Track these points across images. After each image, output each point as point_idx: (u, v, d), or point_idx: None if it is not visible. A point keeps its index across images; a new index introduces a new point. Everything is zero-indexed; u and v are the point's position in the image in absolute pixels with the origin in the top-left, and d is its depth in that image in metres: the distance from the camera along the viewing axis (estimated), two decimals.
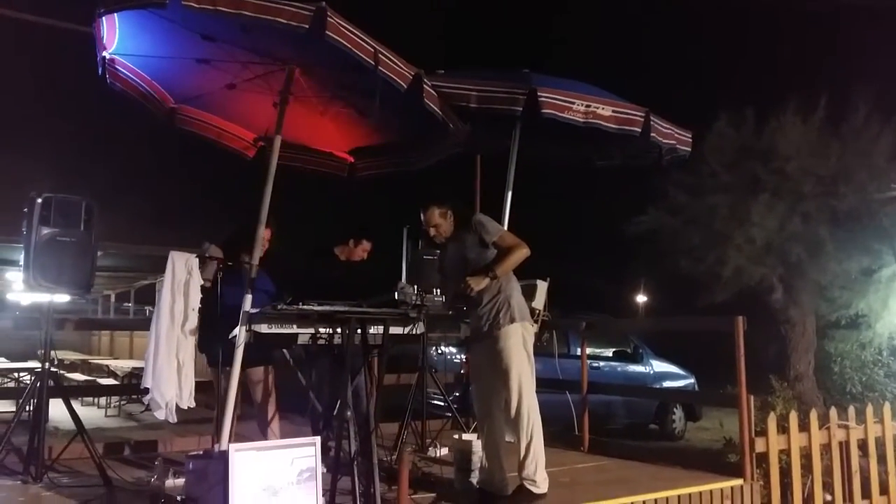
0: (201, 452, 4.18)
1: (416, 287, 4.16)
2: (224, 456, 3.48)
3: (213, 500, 3.47)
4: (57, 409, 4.71)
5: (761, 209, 7.17)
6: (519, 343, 4.12)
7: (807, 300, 7.96)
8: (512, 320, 4.11)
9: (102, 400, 12.15)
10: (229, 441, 4.07)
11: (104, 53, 4.28)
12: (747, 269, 7.48)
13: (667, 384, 10.76)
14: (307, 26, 3.40)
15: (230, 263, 4.47)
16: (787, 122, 7.67)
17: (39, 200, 4.42)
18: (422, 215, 4.33)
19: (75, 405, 4.74)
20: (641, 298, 26.44)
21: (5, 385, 12.32)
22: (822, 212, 7.54)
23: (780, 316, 8.06)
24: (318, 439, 3.70)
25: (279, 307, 3.79)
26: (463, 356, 8.74)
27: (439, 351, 9.65)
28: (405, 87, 3.81)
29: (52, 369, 4.67)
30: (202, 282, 4.36)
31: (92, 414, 11.58)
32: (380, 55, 3.64)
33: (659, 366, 10.89)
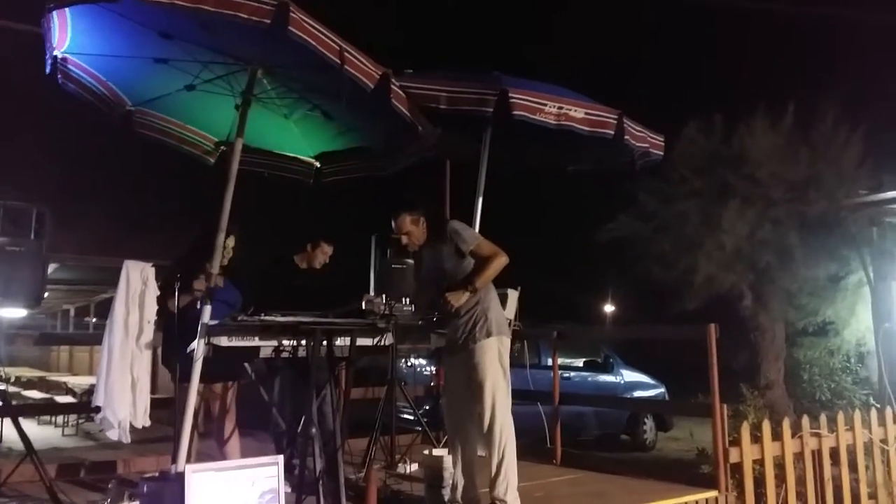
0: (157, 474, 3.94)
1: (384, 296, 4.01)
2: (180, 477, 3.29)
3: None
4: (10, 428, 4.46)
5: (732, 215, 7.16)
6: (494, 358, 4.01)
7: (776, 307, 7.96)
8: (489, 334, 3.99)
9: (60, 419, 11.75)
10: (187, 461, 3.85)
11: (55, 52, 4.05)
12: (718, 276, 7.46)
13: (637, 394, 10.73)
14: (269, 21, 3.24)
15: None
16: (757, 128, 7.68)
17: None
18: (392, 222, 4.18)
19: (31, 424, 4.51)
20: (611, 307, 26.56)
21: None
22: (792, 218, 7.55)
23: (750, 323, 8.04)
24: (280, 458, 3.52)
25: (239, 318, 3.60)
26: (433, 368, 8.59)
27: (409, 363, 9.50)
28: (372, 87, 3.66)
29: (1, 387, 4.38)
30: (157, 293, 4.14)
31: (48, 433, 11.18)
32: (345, 53, 3.49)
33: (629, 375, 10.86)
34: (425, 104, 4.27)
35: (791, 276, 7.70)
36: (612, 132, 4.57)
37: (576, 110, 4.39)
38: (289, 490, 3.62)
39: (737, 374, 7.77)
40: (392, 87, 3.81)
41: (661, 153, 5.24)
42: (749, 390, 7.18)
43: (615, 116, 4.61)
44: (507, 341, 4.13)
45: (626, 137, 4.69)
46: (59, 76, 4.14)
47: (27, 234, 4.31)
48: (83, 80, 4.32)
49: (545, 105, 4.29)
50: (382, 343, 4.18)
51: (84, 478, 5.17)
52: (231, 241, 4.45)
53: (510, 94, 4.20)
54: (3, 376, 14.57)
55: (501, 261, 3.94)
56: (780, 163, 7.53)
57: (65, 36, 3.91)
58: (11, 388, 13.05)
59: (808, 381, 8.11)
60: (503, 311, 4.18)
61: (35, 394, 13.06)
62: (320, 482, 3.65)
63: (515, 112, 4.23)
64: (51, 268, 13.39)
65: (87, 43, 4.03)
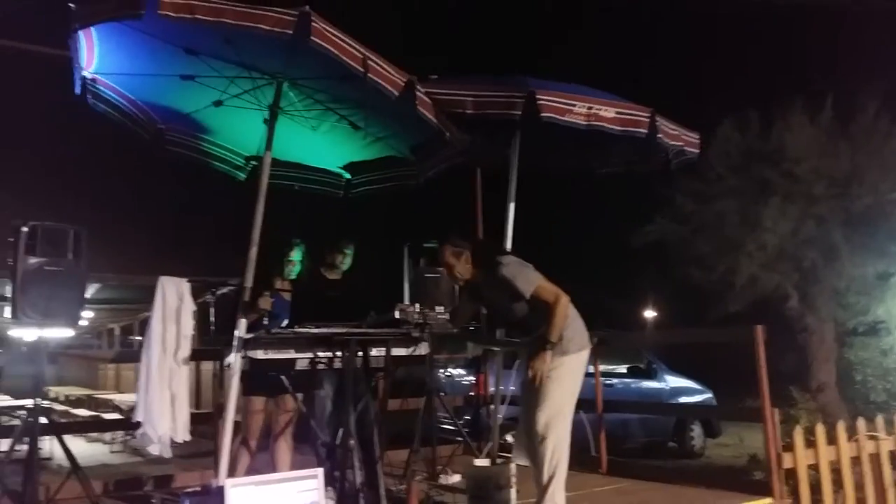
0: (198, 488, 3.94)
1: (417, 305, 3.96)
2: (220, 492, 3.27)
3: None
4: (58, 446, 4.51)
5: (773, 213, 6.96)
6: (564, 376, 3.89)
7: (824, 307, 7.71)
8: (564, 353, 3.88)
9: (108, 436, 11.90)
10: (238, 475, 3.85)
11: (84, 73, 4.11)
12: (761, 276, 7.25)
13: (683, 400, 10.45)
14: (291, 32, 3.23)
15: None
16: (795, 123, 7.47)
17: (25, 229, 4.24)
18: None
19: (80, 442, 4.57)
20: (652, 312, 26.09)
21: (7, 423, 12.06)
22: (836, 214, 7.31)
23: (797, 324, 7.81)
24: (321, 471, 3.49)
25: (273, 331, 3.59)
26: (472, 378, 8.51)
27: (447, 373, 9.42)
28: (397, 94, 3.63)
29: (46, 405, 4.44)
30: (194, 308, 4.17)
31: (97, 450, 11.32)
32: (369, 61, 3.46)
33: (675, 381, 10.58)
34: (452, 110, 4.21)
35: (837, 274, 7.45)
36: (644, 131, 4.45)
37: (606, 110, 4.29)
38: (333, 502, 3.58)
39: (785, 377, 7.53)
40: (417, 93, 3.77)
41: (697, 151, 5.08)
42: (800, 393, 6.95)
43: (647, 115, 4.49)
44: (583, 356, 4.00)
45: (660, 136, 4.55)
46: (89, 96, 4.20)
47: (65, 254, 4.35)
48: (113, 100, 4.38)
49: (574, 105, 4.19)
50: (417, 352, 4.12)
51: (131, 493, 5.20)
52: (297, 254, 4.47)
53: (538, 96, 4.11)
54: (51, 395, 14.88)
55: (564, 303, 3.82)
56: (820, 157, 7.31)
57: (92, 56, 3.96)
58: (60, 407, 13.34)
59: (862, 382, 7.84)
60: (580, 323, 4.03)
61: (83, 412, 13.28)
62: (360, 494, 3.60)
63: (544, 114, 4.13)
64: (93, 288, 13.68)
65: (115, 62, 4.08)
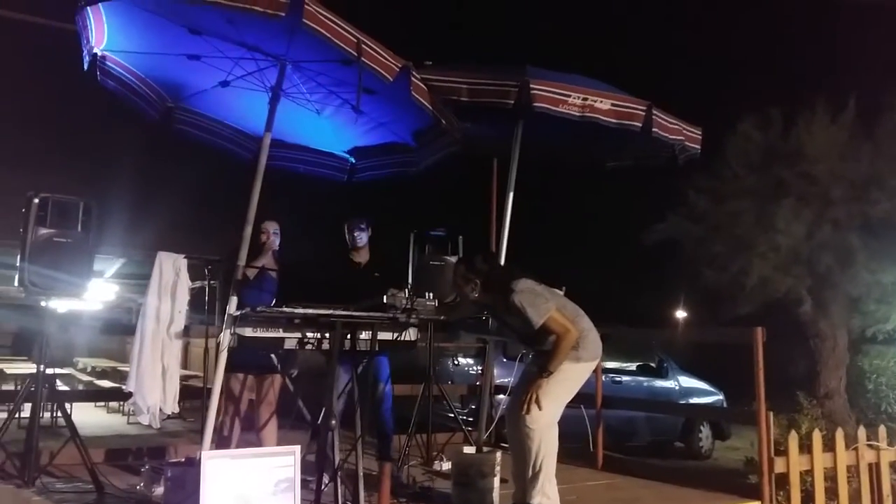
0: (182, 459, 4.04)
1: (406, 291, 4.00)
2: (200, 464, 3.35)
3: None
4: (81, 415, 4.66)
5: (787, 215, 6.82)
6: (568, 379, 3.95)
7: (837, 313, 7.55)
8: (577, 360, 3.94)
9: (127, 406, 12.22)
10: (221, 447, 3.95)
11: (95, 50, 4.20)
12: (773, 279, 7.12)
13: (694, 400, 10.36)
14: (283, 14, 3.27)
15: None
16: (815, 123, 7.29)
17: (36, 200, 4.36)
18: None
19: (101, 412, 4.72)
20: (663, 311, 25.76)
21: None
22: (853, 218, 7.14)
23: (810, 329, 7.66)
24: (297, 448, 3.55)
25: (258, 309, 3.65)
26: (480, 368, 8.53)
27: (455, 362, 9.46)
28: (391, 79, 3.65)
29: (50, 373, 4.56)
30: (190, 284, 4.25)
31: (115, 421, 11.65)
32: (363, 46, 3.49)
33: (686, 381, 10.48)
34: (447, 97, 4.21)
35: (853, 280, 7.28)
36: (639, 124, 4.38)
37: (602, 101, 4.24)
38: (327, 481, 3.67)
39: (796, 383, 7.42)
40: (413, 79, 3.79)
41: (698, 147, 5.00)
42: (807, 399, 6.83)
43: (643, 108, 4.42)
44: (591, 366, 4.05)
45: (656, 130, 4.49)
46: (98, 73, 4.29)
47: (74, 226, 4.46)
48: (123, 78, 4.47)
49: (569, 96, 4.15)
50: (404, 338, 4.15)
51: (131, 463, 5.35)
52: (273, 226, 4.57)
53: (532, 86, 4.09)
54: (79, 366, 15.23)
55: (569, 339, 3.86)
56: (839, 159, 7.13)
57: (102, 33, 4.05)
58: (86, 377, 13.72)
59: (874, 391, 7.68)
60: (594, 335, 4.06)
61: (106, 383, 13.64)
62: (338, 473, 3.66)
63: (536, 104, 4.10)
64: (119, 263, 14.05)
65: (124, 40, 4.16)
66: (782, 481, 4.91)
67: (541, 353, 4.03)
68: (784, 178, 7.11)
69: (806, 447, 5.06)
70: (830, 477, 5.09)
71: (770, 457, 4.82)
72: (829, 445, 5.15)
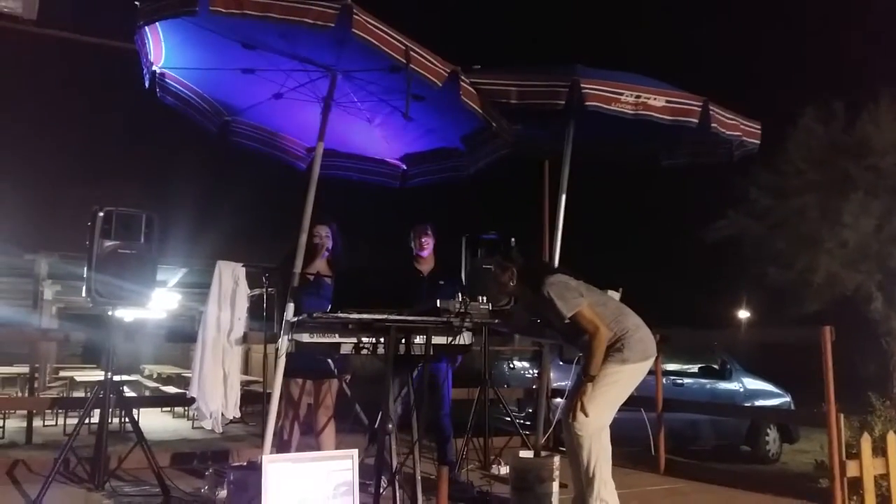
0: (245, 463, 4.13)
1: (460, 294, 3.99)
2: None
3: None
4: (147, 420, 4.80)
5: (854, 209, 6.55)
6: (619, 381, 3.84)
7: None
8: (624, 361, 3.84)
9: (192, 412, 12.57)
10: (272, 452, 4.02)
11: (154, 67, 4.36)
12: (841, 275, 6.85)
13: (760, 403, 10.05)
14: (333, 25, 3.32)
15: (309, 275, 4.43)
16: (881, 115, 6.99)
17: (101, 214, 4.52)
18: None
19: (167, 417, 4.86)
20: (727, 310, 25.07)
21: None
22: None
23: (881, 327, 7.33)
24: (355, 452, 3.58)
25: (315, 315, 3.70)
26: (536, 371, 8.47)
27: (511, 365, 9.41)
28: (440, 84, 3.67)
29: (117, 380, 4.72)
30: (249, 292, 4.35)
31: (180, 425, 12.01)
32: (411, 52, 3.52)
33: (751, 383, 10.18)
34: (497, 100, 4.20)
35: None
36: (696, 120, 4.28)
37: (656, 98, 4.16)
38: (385, 484, 3.69)
39: (866, 383, 7.12)
40: (462, 83, 3.80)
41: (757, 142, 4.85)
42: (879, 399, 6.54)
43: (699, 103, 4.32)
44: (644, 366, 3.91)
45: (714, 125, 4.38)
46: (158, 90, 4.44)
47: (137, 237, 4.61)
48: (181, 93, 4.62)
49: (621, 94, 4.09)
50: (459, 342, 4.14)
51: (196, 466, 5.48)
52: (324, 230, 4.62)
53: (582, 85, 4.04)
54: (146, 373, 15.76)
55: (600, 338, 3.78)
56: None
57: (160, 51, 4.20)
58: (152, 384, 14.18)
59: None
60: (645, 332, 3.94)
61: (171, 389, 14.08)
62: (396, 477, 3.68)
63: (589, 103, 4.05)
64: (181, 272, 14.47)
65: (181, 57, 4.30)
66: (855, 486, 4.71)
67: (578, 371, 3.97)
68: (850, 171, 6.84)
69: (880, 450, 4.85)
70: None
71: (842, 460, 4.64)
72: None
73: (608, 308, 3.96)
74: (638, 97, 4.12)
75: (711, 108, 4.36)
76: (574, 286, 3.94)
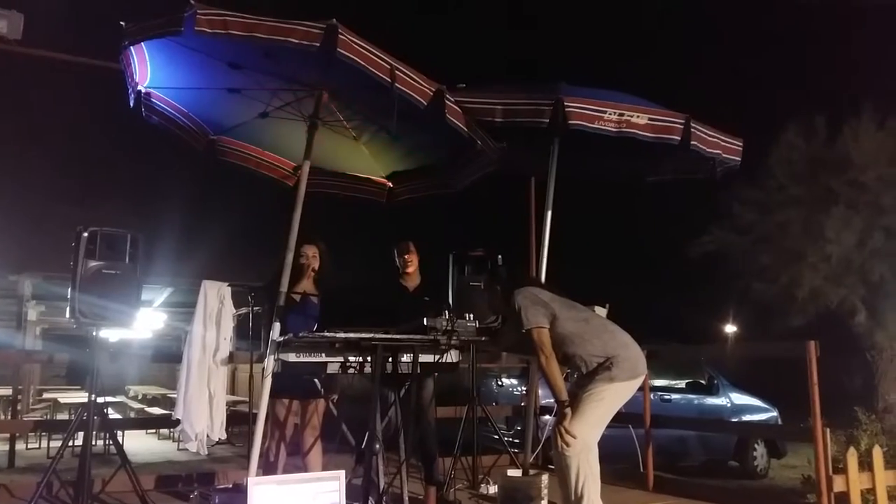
0: (230, 485, 4.09)
1: (447, 313, 3.99)
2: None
3: None
4: (132, 442, 4.74)
5: (836, 224, 6.62)
6: (605, 399, 3.82)
7: (894, 323, 7.27)
8: (611, 380, 3.82)
9: (176, 433, 12.42)
10: (259, 473, 3.97)
11: (139, 87, 4.36)
12: (825, 290, 6.91)
13: (747, 418, 10.07)
14: (318, 45, 3.34)
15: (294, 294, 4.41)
16: (862, 130, 7.09)
17: (85, 234, 4.48)
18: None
19: (151, 439, 4.78)
20: (711, 325, 25.21)
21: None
22: None
23: (865, 341, 7.39)
24: (342, 473, 3.55)
25: (301, 335, 3.69)
26: (524, 388, 8.45)
27: (499, 383, 9.39)
28: (425, 104, 3.69)
29: (101, 402, 4.66)
30: (234, 311, 4.32)
31: (165, 447, 11.86)
32: (396, 72, 3.54)
33: (738, 398, 10.20)
34: (482, 118, 4.23)
35: None
36: (678, 138, 4.33)
37: (638, 116, 4.20)
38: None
39: (852, 397, 7.16)
40: (447, 102, 3.82)
41: (738, 159, 4.90)
42: (865, 414, 6.58)
43: (681, 121, 4.37)
44: (632, 384, 3.90)
45: (694, 143, 4.43)
46: (143, 110, 4.44)
47: (122, 258, 4.57)
48: (167, 113, 4.62)
49: (604, 113, 4.14)
50: (446, 360, 4.14)
51: (181, 489, 5.41)
52: (311, 250, 4.58)
53: (566, 103, 4.09)
54: (130, 394, 15.56)
55: (543, 362, 3.81)
56: (889, 165, 6.91)
57: (145, 71, 4.20)
58: (138, 405, 14.01)
59: None
60: (634, 350, 3.94)
61: (157, 410, 13.91)
62: (383, 497, 3.66)
63: (572, 121, 4.09)
64: (167, 292, 14.37)
65: (167, 77, 4.30)
66: (842, 500, 4.72)
67: (582, 375, 3.95)
68: (832, 186, 6.93)
69: (866, 464, 4.87)
70: (894, 496, 4.87)
71: (828, 475, 4.66)
72: (892, 462, 4.95)
73: (590, 325, 3.94)
74: (621, 115, 4.17)
75: (693, 125, 4.41)
76: (545, 301, 3.91)
